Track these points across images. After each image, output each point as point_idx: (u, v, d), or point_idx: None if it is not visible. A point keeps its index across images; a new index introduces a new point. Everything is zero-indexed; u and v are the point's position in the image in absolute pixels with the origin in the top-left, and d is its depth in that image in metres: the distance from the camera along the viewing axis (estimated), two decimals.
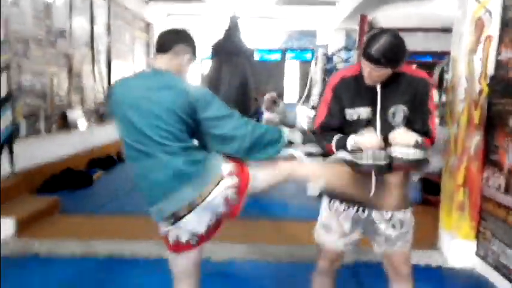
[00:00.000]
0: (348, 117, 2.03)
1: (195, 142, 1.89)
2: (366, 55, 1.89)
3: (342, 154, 1.98)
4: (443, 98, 4.18)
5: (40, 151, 5.35)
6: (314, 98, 9.09)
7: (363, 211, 2.09)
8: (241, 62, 4.44)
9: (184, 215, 1.79)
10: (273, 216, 4.36)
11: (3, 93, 4.61)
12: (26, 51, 5.32)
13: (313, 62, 10.12)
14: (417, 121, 2.01)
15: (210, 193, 1.78)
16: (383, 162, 1.90)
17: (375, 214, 2.08)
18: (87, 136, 6.66)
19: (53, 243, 3.57)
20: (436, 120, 2.18)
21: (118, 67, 8.36)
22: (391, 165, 1.91)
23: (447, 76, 4.03)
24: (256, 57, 14.19)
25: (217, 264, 3.30)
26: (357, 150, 1.92)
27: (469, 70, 3.28)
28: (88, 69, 7.14)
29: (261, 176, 1.96)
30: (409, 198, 2.16)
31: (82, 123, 6.57)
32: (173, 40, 1.92)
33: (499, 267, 3.01)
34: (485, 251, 3.20)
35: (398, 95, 2.01)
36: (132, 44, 9.46)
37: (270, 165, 1.99)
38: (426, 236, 3.72)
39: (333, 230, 2.14)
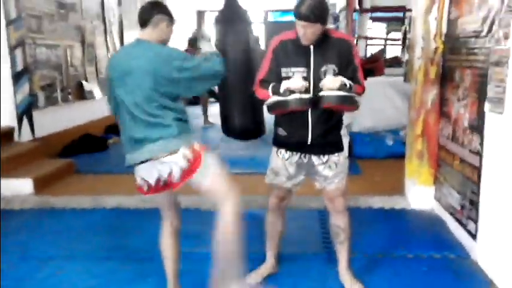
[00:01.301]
0: (284, 74, 2.39)
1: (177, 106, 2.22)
2: (298, 15, 2.26)
3: (275, 98, 2.36)
4: (406, 56, 4.43)
5: (58, 119, 5.90)
6: None
7: (304, 157, 2.49)
8: (241, 27, 4.75)
9: (141, 162, 2.19)
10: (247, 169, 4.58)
11: (20, 67, 5.13)
12: (40, 26, 5.80)
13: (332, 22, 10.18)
14: (348, 77, 2.36)
15: (164, 157, 2.15)
16: (308, 96, 2.29)
17: (314, 158, 2.48)
18: (103, 104, 7.17)
19: (66, 199, 4.14)
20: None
21: (131, 37, 8.77)
22: (318, 102, 2.29)
23: (409, 35, 4.27)
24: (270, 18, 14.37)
25: (206, 213, 3.78)
26: (286, 93, 2.30)
27: (425, 29, 3.54)
28: (101, 40, 7.59)
29: (206, 178, 2.23)
30: (342, 144, 2.53)
31: (97, 92, 7.08)
32: (149, 14, 2.24)
33: (448, 208, 3.37)
34: (440, 195, 3.55)
35: (328, 56, 2.37)
36: None
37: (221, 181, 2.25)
38: (396, 184, 4.11)
39: (280, 174, 2.55)
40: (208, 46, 2.52)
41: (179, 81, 2.16)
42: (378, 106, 5.45)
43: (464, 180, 3.05)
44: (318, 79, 2.34)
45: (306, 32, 2.28)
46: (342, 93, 2.28)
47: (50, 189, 4.37)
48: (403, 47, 4.72)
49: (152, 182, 2.23)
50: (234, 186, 2.27)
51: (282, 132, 2.49)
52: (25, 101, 5.21)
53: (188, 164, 2.17)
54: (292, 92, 2.29)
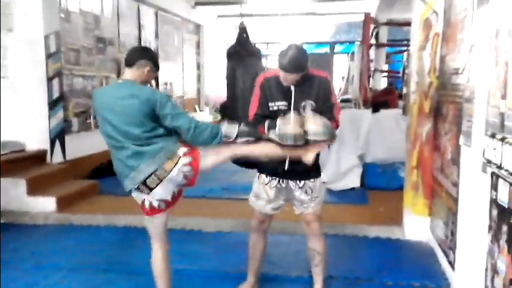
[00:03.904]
0: (270, 108, 2.64)
1: (161, 131, 2.47)
2: (280, 66, 2.52)
3: (272, 135, 2.56)
4: (405, 90, 4.55)
5: (90, 144, 6.35)
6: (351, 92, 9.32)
7: (282, 182, 2.69)
8: (251, 62, 5.04)
9: (155, 187, 2.44)
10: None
11: (56, 96, 5.64)
12: (78, 58, 6.36)
13: (350, 56, 10.38)
14: (325, 111, 2.58)
15: (171, 169, 2.42)
16: (300, 142, 2.48)
17: (291, 183, 2.67)
18: None
19: (84, 217, 4.51)
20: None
21: (166, 68, 9.32)
22: (307, 143, 2.48)
23: (407, 70, 4.40)
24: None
25: (207, 234, 4.02)
26: (282, 136, 2.50)
27: (419, 65, 3.68)
28: None
29: (208, 157, 2.59)
30: (318, 170, 2.72)
31: None
32: (136, 57, 2.55)
33: (438, 239, 3.43)
34: (433, 226, 3.61)
35: (307, 92, 2.61)
36: (181, 46, 10.40)
37: (214, 150, 2.60)
38: (397, 215, 4.19)
39: (261, 197, 2.75)
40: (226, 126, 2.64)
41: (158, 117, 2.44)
42: (392, 138, 5.53)
43: (448, 211, 3.13)
44: (297, 112, 2.57)
45: (287, 79, 2.55)
46: (326, 135, 2.48)
47: (72, 208, 4.75)
48: (403, 81, 4.83)
49: (169, 197, 2.48)
50: None
51: (263, 159, 2.71)
52: (59, 126, 5.70)
53: (191, 158, 2.43)
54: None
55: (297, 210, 2.75)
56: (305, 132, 2.47)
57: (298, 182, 2.67)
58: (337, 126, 2.67)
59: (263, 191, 2.73)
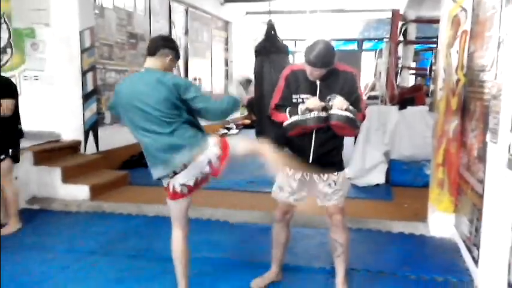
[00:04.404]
0: (294, 100, 2.70)
1: (188, 117, 2.56)
2: (307, 61, 2.58)
3: (294, 118, 2.64)
4: (432, 87, 4.52)
5: (122, 136, 6.51)
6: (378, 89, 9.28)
7: (306, 174, 2.76)
8: (279, 58, 5.10)
9: (180, 171, 2.52)
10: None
11: (89, 89, 5.84)
12: (111, 53, 6.56)
13: (378, 53, 10.32)
14: (351, 105, 2.63)
15: (199, 157, 2.50)
16: (324, 114, 2.56)
17: (315, 176, 2.74)
18: None
19: (116, 205, 4.66)
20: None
21: (195, 63, 9.48)
22: (329, 120, 2.55)
23: (434, 67, 4.38)
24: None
25: (233, 225, 4.13)
26: (305, 112, 2.58)
27: (447, 62, 3.68)
28: None
29: (238, 147, 2.66)
30: (342, 164, 2.78)
31: None
32: (158, 46, 2.61)
33: (462, 235, 3.43)
34: (458, 222, 3.61)
35: (332, 86, 2.67)
36: (209, 42, 10.54)
37: (246, 141, 2.68)
38: (421, 211, 4.20)
39: (284, 189, 2.82)
40: (234, 89, 2.75)
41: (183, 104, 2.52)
42: (418, 135, 5.50)
43: (473, 207, 3.13)
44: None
45: (313, 74, 2.61)
46: (349, 114, 2.54)
47: (104, 196, 4.92)
48: (430, 78, 4.81)
49: (191, 182, 2.55)
50: None
51: (288, 152, 2.78)
52: (92, 119, 5.90)
53: (219, 149, 2.52)
54: (311, 110, 2.58)
55: (319, 202, 2.80)
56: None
57: (322, 175, 2.72)
58: (363, 118, 2.71)
59: (286, 183, 2.80)
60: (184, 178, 2.54)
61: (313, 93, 2.66)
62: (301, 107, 2.61)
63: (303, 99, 2.66)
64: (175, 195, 2.64)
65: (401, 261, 3.33)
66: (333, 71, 2.65)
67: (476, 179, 3.08)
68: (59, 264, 3.29)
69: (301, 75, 2.70)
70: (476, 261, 2.97)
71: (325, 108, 2.58)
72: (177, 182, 2.56)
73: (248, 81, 2.87)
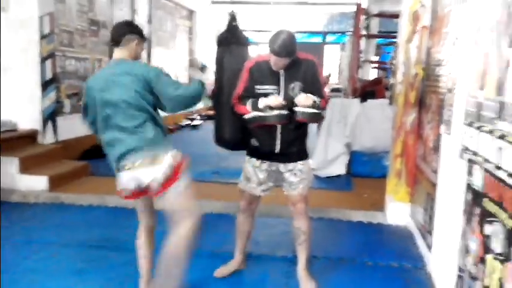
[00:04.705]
0: (257, 91, 2.72)
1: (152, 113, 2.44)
2: (272, 51, 2.60)
3: (254, 113, 2.67)
4: (392, 81, 4.68)
5: (81, 126, 6.38)
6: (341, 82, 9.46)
7: (273, 165, 2.80)
8: (239, 50, 5.09)
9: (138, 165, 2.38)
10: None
11: (48, 77, 5.68)
12: (71, 40, 6.39)
13: (341, 46, 10.48)
14: (314, 92, 2.68)
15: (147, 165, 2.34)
16: (285, 112, 2.60)
17: (281, 166, 2.78)
18: None
19: (76, 196, 4.58)
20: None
21: (158, 53, 9.35)
22: (293, 118, 2.59)
23: (394, 61, 4.53)
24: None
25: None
26: (266, 110, 2.61)
27: (406, 56, 3.81)
28: None
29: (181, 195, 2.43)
30: (307, 152, 2.84)
31: None
32: (122, 33, 2.50)
33: (417, 223, 3.58)
34: (413, 211, 3.76)
35: (295, 76, 2.71)
36: (174, 31, 10.42)
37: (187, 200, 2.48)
38: (380, 201, 4.34)
39: (252, 180, 2.86)
40: (196, 73, 2.71)
41: (153, 93, 2.42)
42: (378, 127, 5.66)
43: (428, 196, 3.27)
44: (286, 94, 2.67)
45: (278, 64, 2.64)
46: (314, 110, 2.60)
47: (63, 188, 4.82)
48: (391, 72, 4.97)
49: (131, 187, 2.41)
50: (196, 207, 2.48)
51: (254, 142, 2.82)
52: (51, 107, 5.74)
53: (171, 172, 2.34)
54: (271, 108, 2.61)
55: (285, 191, 2.86)
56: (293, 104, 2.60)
57: (287, 164, 2.78)
58: (325, 104, 2.77)
59: (253, 174, 2.84)
60: (125, 180, 2.42)
61: (277, 84, 2.70)
62: (261, 103, 2.62)
63: (266, 90, 2.69)
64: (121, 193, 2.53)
65: (360, 248, 3.44)
66: (295, 61, 2.69)
67: (431, 169, 3.21)
68: (16, 256, 3.22)
69: (264, 66, 2.73)
70: (430, 248, 3.11)
71: (287, 105, 2.62)
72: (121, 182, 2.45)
73: (204, 67, 2.85)
